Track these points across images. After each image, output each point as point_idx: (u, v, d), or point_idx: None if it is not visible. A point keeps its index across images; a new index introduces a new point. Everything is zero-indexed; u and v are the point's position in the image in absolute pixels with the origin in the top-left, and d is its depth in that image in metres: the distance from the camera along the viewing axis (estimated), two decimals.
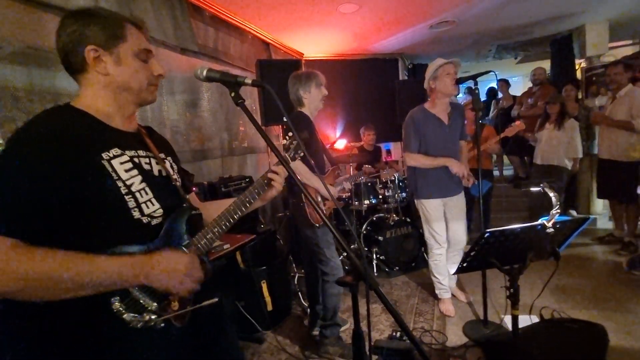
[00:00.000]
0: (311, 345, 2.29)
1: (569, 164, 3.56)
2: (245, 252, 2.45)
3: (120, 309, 0.77)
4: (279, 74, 3.09)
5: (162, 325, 0.83)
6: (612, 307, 2.46)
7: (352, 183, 3.45)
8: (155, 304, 0.82)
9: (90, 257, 0.73)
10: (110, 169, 0.79)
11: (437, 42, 4.70)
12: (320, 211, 0.80)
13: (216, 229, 0.96)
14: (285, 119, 0.92)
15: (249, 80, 0.86)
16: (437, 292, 2.67)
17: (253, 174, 3.27)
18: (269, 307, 2.49)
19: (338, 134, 5.09)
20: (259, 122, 3.20)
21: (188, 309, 0.87)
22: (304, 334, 2.43)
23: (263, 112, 3.14)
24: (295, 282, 3.08)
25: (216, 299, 0.88)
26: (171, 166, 1.00)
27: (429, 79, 2.39)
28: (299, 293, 2.94)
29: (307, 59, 4.74)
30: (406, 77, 5.57)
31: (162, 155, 0.98)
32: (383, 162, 4.16)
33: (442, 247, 2.56)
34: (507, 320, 2.05)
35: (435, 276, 2.63)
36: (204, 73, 0.89)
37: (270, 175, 1.05)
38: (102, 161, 0.79)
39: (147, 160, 0.90)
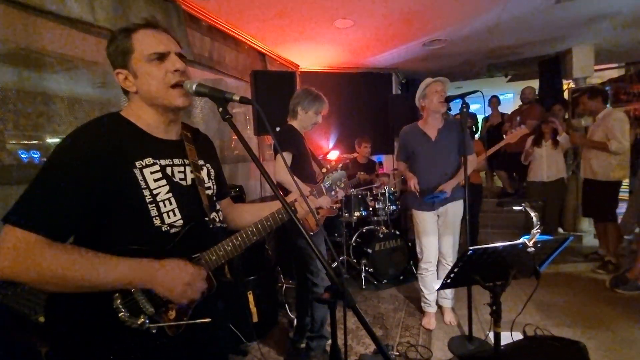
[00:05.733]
0: (295, 357, 2.27)
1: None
2: (232, 262, 2.42)
3: (120, 306, 0.81)
4: (274, 84, 3.13)
5: (155, 331, 0.84)
6: (594, 325, 2.49)
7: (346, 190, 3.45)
8: (153, 309, 0.84)
9: (102, 257, 0.76)
10: (140, 178, 0.84)
11: (430, 59, 4.81)
12: (301, 225, 0.81)
13: (230, 248, 0.96)
14: (272, 135, 0.94)
15: (236, 97, 0.86)
16: (422, 305, 2.69)
17: (244, 183, 3.27)
18: (255, 319, 2.46)
19: (331, 145, 5.13)
20: (252, 131, 3.23)
21: (182, 322, 0.88)
22: (289, 346, 2.40)
23: (256, 121, 3.16)
24: (283, 293, 3.06)
25: (209, 320, 0.89)
26: (208, 173, 1.03)
27: (419, 98, 2.46)
28: (286, 304, 2.92)
29: (302, 70, 4.80)
30: (399, 92, 5.66)
31: (200, 162, 1.01)
32: (374, 175, 4.19)
33: (428, 262, 2.56)
34: (492, 337, 2.06)
35: (421, 289, 2.65)
36: (194, 87, 0.91)
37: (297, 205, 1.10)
38: (135, 170, 0.84)
39: (181, 169, 0.95)
